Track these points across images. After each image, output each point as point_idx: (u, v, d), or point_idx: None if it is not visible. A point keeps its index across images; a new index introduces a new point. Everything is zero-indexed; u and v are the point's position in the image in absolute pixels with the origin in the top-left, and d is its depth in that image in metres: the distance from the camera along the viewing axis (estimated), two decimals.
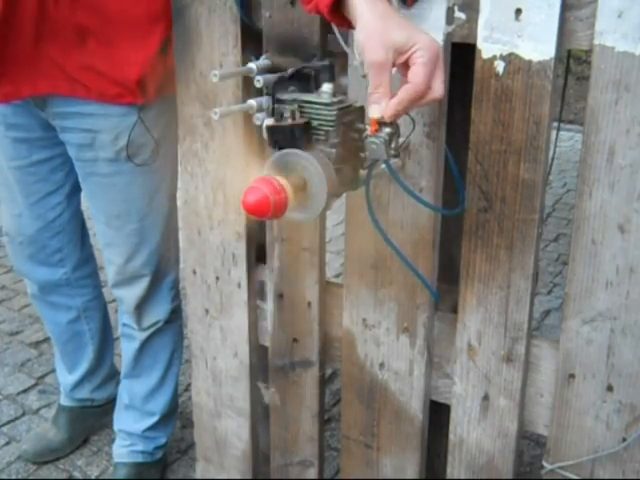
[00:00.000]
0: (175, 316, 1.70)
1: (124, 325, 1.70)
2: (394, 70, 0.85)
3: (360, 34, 0.85)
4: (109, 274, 1.61)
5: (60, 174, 1.60)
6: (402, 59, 0.84)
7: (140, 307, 1.62)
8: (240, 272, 1.36)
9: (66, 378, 1.88)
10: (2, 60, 1.32)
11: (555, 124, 1.08)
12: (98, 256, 1.77)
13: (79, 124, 1.44)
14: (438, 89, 0.85)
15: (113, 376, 1.91)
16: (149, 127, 1.43)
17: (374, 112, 0.86)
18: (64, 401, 1.92)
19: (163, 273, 1.62)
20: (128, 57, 1.35)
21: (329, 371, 1.93)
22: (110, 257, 1.59)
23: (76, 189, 1.63)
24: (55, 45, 1.33)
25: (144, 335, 1.67)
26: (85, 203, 1.63)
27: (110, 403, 1.89)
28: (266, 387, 1.43)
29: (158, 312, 1.65)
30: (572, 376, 1.06)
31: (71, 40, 1.34)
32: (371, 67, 0.84)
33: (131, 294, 1.61)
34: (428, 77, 0.83)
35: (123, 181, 1.48)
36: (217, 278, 1.41)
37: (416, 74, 0.83)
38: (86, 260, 1.76)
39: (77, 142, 1.46)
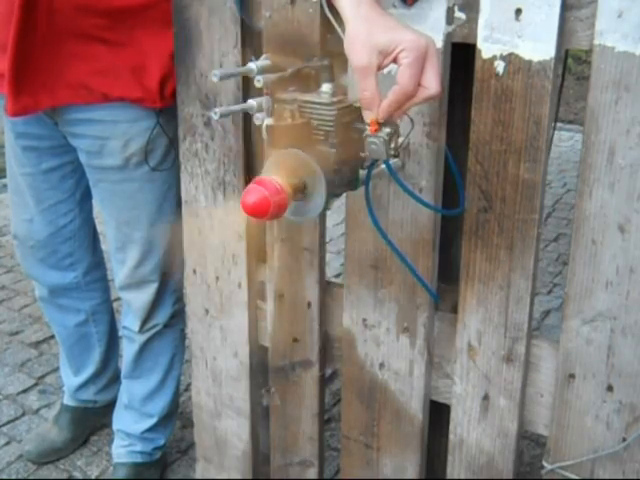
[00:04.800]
0: (176, 320, 1.70)
1: (124, 328, 1.70)
2: (386, 70, 0.85)
3: (345, 39, 0.85)
4: (118, 277, 1.61)
5: (70, 181, 1.60)
6: (388, 61, 0.83)
7: (147, 310, 1.63)
8: (240, 272, 1.36)
9: (71, 380, 1.88)
10: (21, 73, 1.32)
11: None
12: (107, 259, 1.77)
13: (88, 131, 1.43)
14: (432, 87, 0.84)
15: (117, 378, 1.91)
16: (165, 131, 1.43)
17: (367, 117, 0.86)
18: (67, 401, 1.92)
19: (169, 278, 1.62)
20: (149, 61, 1.36)
21: (329, 371, 1.92)
22: (120, 261, 1.59)
23: (87, 195, 1.64)
24: (73, 53, 1.34)
25: (143, 338, 1.67)
26: (97, 208, 1.63)
27: (112, 404, 1.89)
28: (267, 390, 1.43)
29: (160, 316, 1.65)
30: (572, 376, 1.06)
31: (90, 47, 1.34)
32: (356, 71, 0.84)
33: (140, 298, 1.61)
34: (414, 77, 0.82)
35: (132, 188, 1.48)
36: (217, 278, 1.41)
37: (401, 76, 0.82)
38: (96, 265, 1.77)
39: (86, 149, 1.47)
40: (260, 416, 1.50)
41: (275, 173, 0.84)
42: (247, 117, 1.23)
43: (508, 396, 1.12)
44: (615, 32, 0.90)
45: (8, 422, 2.00)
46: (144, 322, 1.64)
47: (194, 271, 1.44)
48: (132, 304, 1.63)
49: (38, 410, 2.06)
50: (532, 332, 1.09)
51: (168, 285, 1.63)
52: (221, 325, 1.43)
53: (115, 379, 1.91)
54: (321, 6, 1.08)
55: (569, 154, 4.44)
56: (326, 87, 0.91)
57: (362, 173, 0.94)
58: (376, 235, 1.12)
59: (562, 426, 1.09)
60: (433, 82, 0.84)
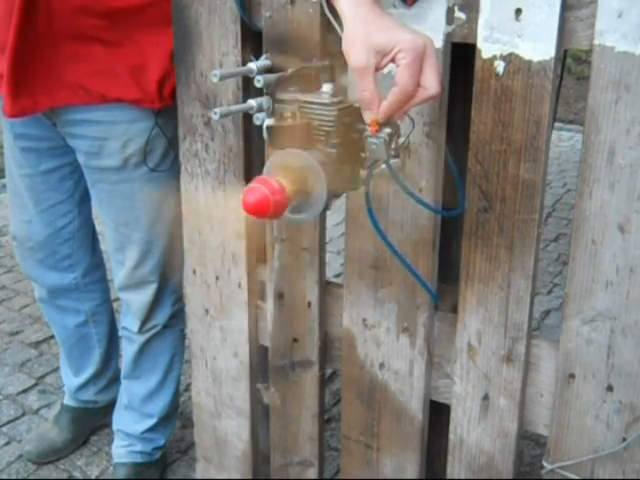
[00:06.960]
0: (175, 320, 1.70)
1: (124, 328, 1.70)
2: (386, 70, 0.85)
3: (343, 39, 0.85)
4: (117, 277, 1.61)
5: (69, 182, 1.60)
6: (386, 61, 0.83)
7: (146, 311, 1.63)
8: (240, 272, 1.36)
9: (71, 380, 1.88)
10: (20, 74, 1.32)
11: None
12: (106, 259, 1.77)
13: (87, 132, 1.43)
14: (432, 87, 0.84)
15: (117, 379, 1.91)
16: (164, 132, 1.43)
17: (367, 118, 0.86)
18: (67, 401, 1.92)
19: (169, 278, 1.62)
20: (147, 62, 1.36)
21: (329, 371, 1.93)
22: (119, 262, 1.59)
23: (86, 196, 1.63)
24: (72, 54, 1.34)
25: (143, 338, 1.67)
26: (95, 208, 1.63)
27: (112, 404, 1.89)
28: (265, 387, 1.43)
29: (159, 316, 1.65)
30: (572, 376, 1.06)
31: (88, 48, 1.34)
32: (354, 72, 0.84)
33: (139, 299, 1.61)
34: (413, 78, 0.82)
35: (131, 188, 1.48)
36: (217, 278, 1.41)
37: (400, 76, 0.82)
38: (96, 266, 1.77)
39: (85, 150, 1.46)
40: (260, 416, 1.50)
41: (276, 173, 0.84)
42: (247, 117, 1.23)
43: (508, 396, 1.12)
44: (615, 32, 0.90)
45: (8, 422, 2.00)
46: (143, 323, 1.64)
47: (194, 271, 1.44)
48: (131, 305, 1.63)
49: (38, 410, 2.06)
50: (532, 332, 1.09)
51: (167, 286, 1.63)
52: (221, 325, 1.43)
53: (115, 379, 1.91)
54: (321, 6, 1.09)
55: (569, 154, 4.44)
56: (326, 87, 0.91)
57: (362, 173, 0.94)
58: (376, 235, 1.12)
59: (562, 426, 1.09)
60: (432, 82, 0.84)
